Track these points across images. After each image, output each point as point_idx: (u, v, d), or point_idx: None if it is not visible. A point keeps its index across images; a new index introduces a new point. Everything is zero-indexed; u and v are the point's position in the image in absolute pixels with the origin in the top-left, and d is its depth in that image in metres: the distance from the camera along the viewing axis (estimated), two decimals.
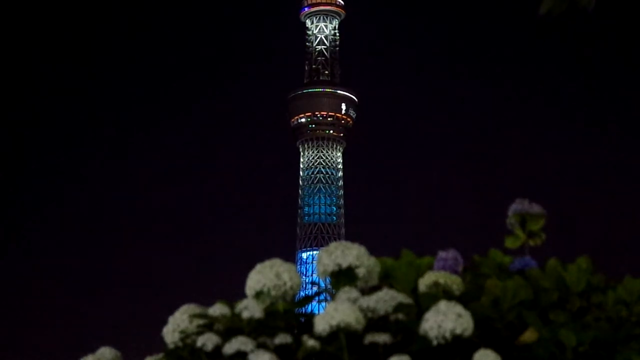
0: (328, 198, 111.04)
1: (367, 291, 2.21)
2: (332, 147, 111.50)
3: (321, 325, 1.99)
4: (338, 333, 1.98)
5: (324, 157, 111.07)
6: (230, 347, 2.06)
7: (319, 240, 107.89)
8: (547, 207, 2.57)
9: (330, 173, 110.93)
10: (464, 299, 2.16)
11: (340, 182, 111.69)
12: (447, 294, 2.22)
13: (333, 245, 2.24)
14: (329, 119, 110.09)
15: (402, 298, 2.11)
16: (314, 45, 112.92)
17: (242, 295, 2.23)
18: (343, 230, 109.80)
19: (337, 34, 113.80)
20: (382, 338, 2.00)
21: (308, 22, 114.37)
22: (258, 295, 2.17)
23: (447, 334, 1.96)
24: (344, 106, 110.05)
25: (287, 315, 2.16)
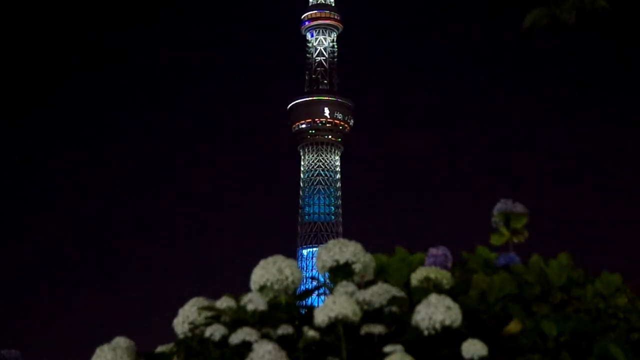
0: (327, 199, 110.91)
1: (363, 285, 2.21)
2: (330, 151, 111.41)
3: (320, 317, 1.99)
4: (336, 324, 1.98)
5: (323, 161, 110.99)
6: (236, 337, 2.06)
7: (318, 237, 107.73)
8: (530, 206, 2.57)
9: (329, 175, 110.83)
10: (453, 293, 2.16)
11: (338, 184, 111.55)
12: (437, 288, 2.22)
13: (331, 242, 2.24)
14: (327, 125, 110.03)
15: (395, 292, 2.11)
16: (314, 56, 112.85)
17: (247, 289, 2.23)
18: (341, 229, 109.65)
19: (336, 46, 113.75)
20: (377, 329, 2.00)
21: (308, 35, 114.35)
22: (262, 289, 2.17)
23: (437, 325, 1.96)
24: (340, 113, 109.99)
25: (289, 308, 2.16)
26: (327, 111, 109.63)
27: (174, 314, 2.29)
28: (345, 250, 2.21)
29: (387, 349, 1.93)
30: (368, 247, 2.27)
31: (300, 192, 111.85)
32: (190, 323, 2.24)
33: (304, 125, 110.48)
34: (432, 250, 2.42)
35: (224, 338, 2.11)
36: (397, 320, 2.06)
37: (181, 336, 2.26)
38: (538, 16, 3.76)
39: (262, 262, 2.20)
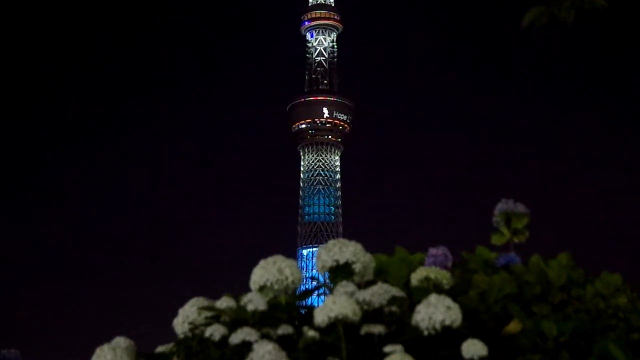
0: (327, 199, 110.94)
1: (363, 285, 2.20)
2: (330, 151, 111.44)
3: (320, 317, 1.98)
4: (336, 324, 1.98)
5: (323, 161, 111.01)
6: (236, 337, 2.06)
7: (318, 238, 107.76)
8: (531, 206, 2.57)
9: (328, 175, 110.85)
10: (453, 293, 2.16)
11: (338, 184, 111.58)
12: (437, 288, 2.22)
13: (331, 242, 2.24)
14: (327, 125, 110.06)
15: (395, 292, 2.11)
16: (314, 56, 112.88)
17: (247, 289, 2.23)
18: (341, 229, 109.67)
19: (335, 46, 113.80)
20: (377, 329, 1.99)
21: (308, 35, 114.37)
22: (262, 289, 2.17)
23: (437, 325, 1.96)
24: (340, 114, 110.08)
25: (288, 308, 2.16)
26: (326, 111, 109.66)
27: (174, 314, 2.29)
28: (345, 250, 2.21)
29: (387, 349, 1.93)
30: (368, 247, 2.27)
31: (300, 192, 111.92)
32: (190, 323, 2.24)
33: (303, 126, 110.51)
34: (432, 250, 2.42)
35: (224, 338, 2.11)
36: (397, 320, 2.06)
37: (181, 336, 2.25)
38: (537, 15, 3.75)
39: (262, 262, 2.20)
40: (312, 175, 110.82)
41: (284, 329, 2.07)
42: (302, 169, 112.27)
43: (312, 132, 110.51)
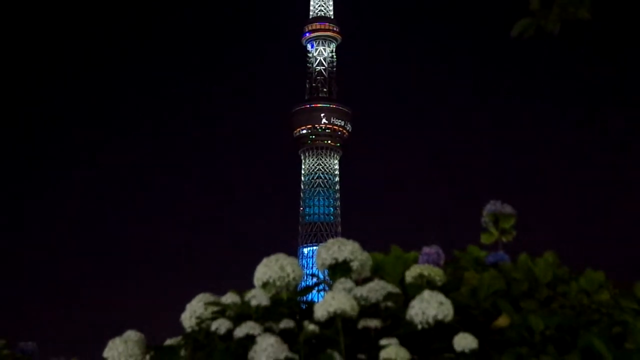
0: (326, 200, 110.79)
1: (360, 282, 2.21)
2: (330, 155, 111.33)
3: (320, 311, 1.99)
4: (335, 319, 1.99)
5: (323, 164, 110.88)
6: (240, 331, 2.07)
7: (318, 237, 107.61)
8: (518, 206, 2.58)
9: (328, 178, 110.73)
10: (445, 289, 2.16)
11: (337, 186, 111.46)
12: (431, 285, 2.23)
13: (330, 241, 2.25)
14: (327, 130, 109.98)
15: (391, 288, 2.12)
16: (314, 66, 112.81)
17: (251, 286, 2.23)
18: (339, 228, 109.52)
19: (335, 56, 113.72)
20: (374, 323, 2.00)
21: (309, 46, 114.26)
22: (264, 285, 2.18)
23: (430, 320, 1.97)
24: (339, 120, 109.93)
25: (290, 303, 2.16)
26: (326, 118, 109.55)
27: (182, 309, 2.30)
28: (344, 248, 2.22)
29: (383, 342, 1.94)
30: (365, 246, 2.28)
31: (301, 194, 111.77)
32: (197, 317, 2.24)
33: (304, 131, 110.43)
34: (426, 249, 2.43)
35: (229, 332, 2.11)
36: (392, 315, 2.07)
37: (188, 330, 2.26)
38: (525, 26, 3.77)
39: (265, 260, 2.21)
40: (313, 178, 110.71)
41: (286, 323, 2.08)
42: (303, 172, 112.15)
43: (312, 137, 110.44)
